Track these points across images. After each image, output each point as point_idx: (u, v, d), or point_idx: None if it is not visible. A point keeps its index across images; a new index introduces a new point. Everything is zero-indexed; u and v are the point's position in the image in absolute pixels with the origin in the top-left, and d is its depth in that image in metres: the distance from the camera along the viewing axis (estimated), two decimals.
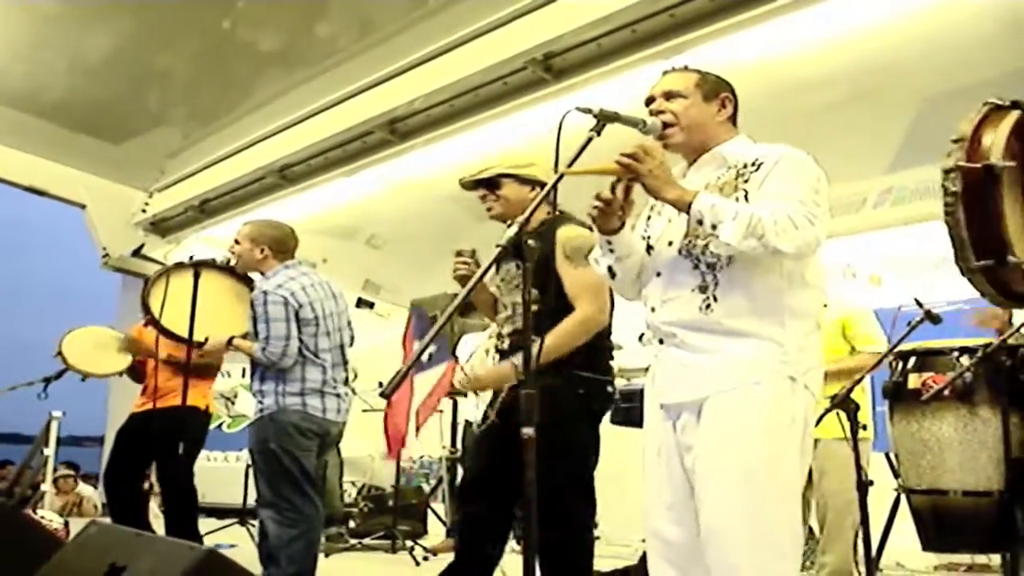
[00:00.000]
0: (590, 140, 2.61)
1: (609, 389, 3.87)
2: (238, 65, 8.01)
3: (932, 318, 4.47)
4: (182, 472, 5.95)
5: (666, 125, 2.83)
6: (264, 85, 8.31)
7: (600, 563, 5.92)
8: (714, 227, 2.55)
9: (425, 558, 7.02)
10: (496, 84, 6.70)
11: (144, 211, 10.34)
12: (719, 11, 5.54)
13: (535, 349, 2.52)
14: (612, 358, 3.94)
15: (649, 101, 2.91)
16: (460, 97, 6.98)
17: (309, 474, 4.74)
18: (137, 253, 10.37)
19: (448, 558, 4.05)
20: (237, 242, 4.99)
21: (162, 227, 10.44)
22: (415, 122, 7.45)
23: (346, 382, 5.01)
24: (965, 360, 4.16)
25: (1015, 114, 1.89)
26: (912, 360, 4.45)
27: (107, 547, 2.98)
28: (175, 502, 5.96)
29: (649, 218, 2.96)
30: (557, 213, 3.83)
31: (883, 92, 6.40)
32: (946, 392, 4.09)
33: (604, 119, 2.64)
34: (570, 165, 2.56)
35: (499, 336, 3.97)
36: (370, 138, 7.77)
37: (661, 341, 2.82)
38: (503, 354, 3.93)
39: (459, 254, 3.91)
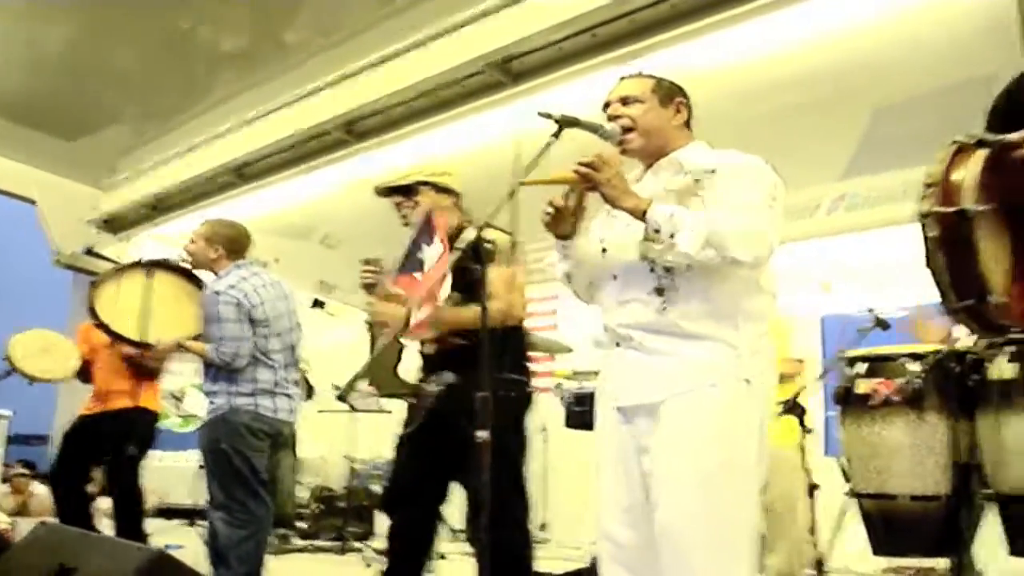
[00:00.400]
0: (549, 145, 2.63)
1: (529, 391, 3.97)
2: (194, 63, 7.95)
3: (882, 324, 4.54)
4: (130, 473, 5.90)
5: (625, 130, 2.85)
6: (220, 83, 8.26)
7: (550, 565, 5.95)
8: (672, 236, 2.57)
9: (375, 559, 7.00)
10: (454, 86, 6.70)
11: (96, 208, 10.22)
12: (678, 17, 5.56)
13: (487, 344, 2.54)
14: (530, 361, 4.04)
15: (606, 106, 2.93)
16: (418, 99, 6.96)
17: (260, 474, 4.74)
18: (89, 251, 10.26)
19: None
20: (192, 241, 4.97)
21: (114, 224, 10.30)
22: (372, 123, 7.41)
23: (297, 383, 4.99)
24: (914, 366, 4.22)
25: (982, 153, 1.92)
26: (862, 366, 4.50)
27: (56, 547, 2.96)
28: (124, 503, 5.91)
29: (605, 220, 2.98)
30: (467, 220, 3.95)
31: (837, 99, 6.46)
32: (895, 398, 4.14)
33: (564, 124, 2.66)
34: (529, 170, 2.57)
35: (421, 340, 3.98)
36: (327, 138, 7.72)
37: (617, 343, 2.83)
38: (427, 358, 3.96)
39: (366, 263, 3.98)
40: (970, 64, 5.80)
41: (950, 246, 1.89)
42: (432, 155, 7.03)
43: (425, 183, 3.99)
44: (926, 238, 1.91)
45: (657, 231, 2.60)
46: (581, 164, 2.63)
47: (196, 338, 4.92)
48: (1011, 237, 2.05)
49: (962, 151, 1.97)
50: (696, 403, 2.63)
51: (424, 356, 3.99)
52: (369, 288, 3.95)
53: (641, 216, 2.62)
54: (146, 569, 2.51)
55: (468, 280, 3.75)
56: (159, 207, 9.65)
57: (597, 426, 2.93)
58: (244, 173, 8.68)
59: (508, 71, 6.36)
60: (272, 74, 7.86)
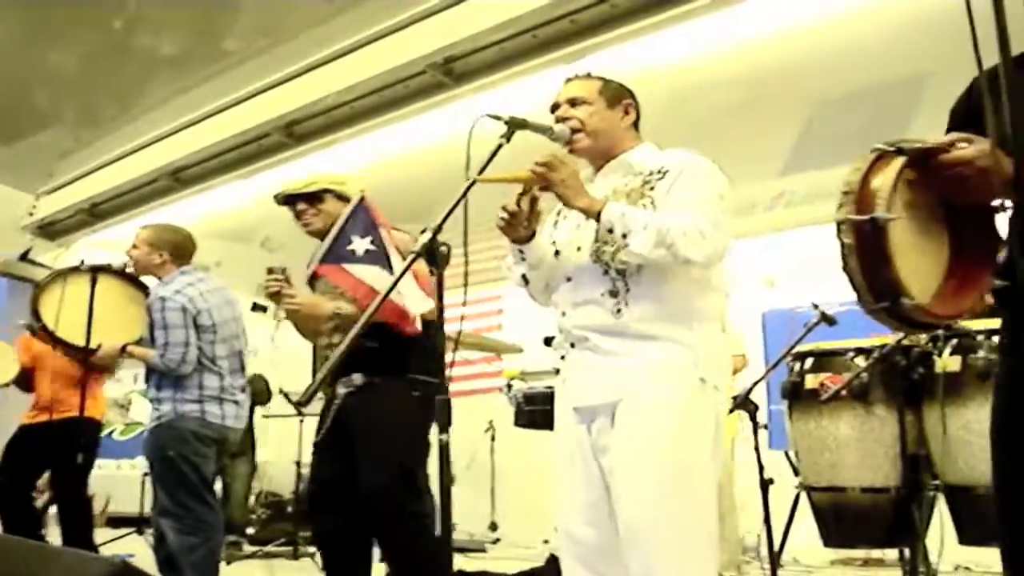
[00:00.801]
0: (500, 147, 2.63)
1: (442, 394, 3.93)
2: (132, 65, 7.81)
3: (828, 320, 4.61)
4: (78, 483, 5.83)
5: (573, 131, 2.86)
6: (158, 86, 8.13)
7: (503, 565, 5.98)
8: (624, 236, 2.60)
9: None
10: (396, 87, 6.69)
11: (32, 214, 10.08)
12: (619, 17, 5.61)
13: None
14: (444, 358, 4.02)
15: (554, 108, 2.94)
16: (360, 100, 6.95)
17: (208, 481, 4.73)
18: (24, 257, 10.09)
19: None
20: (135, 246, 4.91)
21: (50, 230, 10.19)
22: (313, 124, 7.40)
23: (244, 389, 4.96)
24: (860, 360, 4.28)
25: (900, 161, 1.99)
26: (809, 361, 4.54)
27: (8, 561, 2.86)
28: (73, 513, 5.84)
29: (556, 223, 3.00)
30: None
31: (776, 97, 6.54)
32: (843, 392, 4.20)
33: (514, 126, 2.67)
34: (480, 172, 2.56)
35: (328, 346, 4.01)
36: (267, 140, 7.70)
37: (573, 345, 2.84)
38: None
39: (270, 271, 4.01)
40: (906, 63, 5.91)
41: (863, 252, 1.97)
42: (372, 157, 7.07)
43: (329, 191, 4.11)
44: (842, 244, 1.99)
45: (610, 231, 2.62)
46: (537, 164, 2.65)
47: (139, 342, 4.87)
48: (949, 233, 2.11)
49: (881, 158, 2.04)
50: (653, 403, 2.64)
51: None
52: (274, 297, 3.98)
53: (596, 216, 2.64)
54: None
55: None
56: (97, 212, 9.56)
57: (556, 426, 2.94)
58: (182, 177, 8.62)
59: (450, 72, 6.38)
60: (211, 76, 7.75)
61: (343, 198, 4.09)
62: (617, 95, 2.95)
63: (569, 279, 2.85)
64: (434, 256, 2.54)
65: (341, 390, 3.93)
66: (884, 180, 1.99)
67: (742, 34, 5.98)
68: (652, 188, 2.75)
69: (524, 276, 2.95)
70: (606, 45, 5.69)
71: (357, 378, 3.88)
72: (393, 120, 6.95)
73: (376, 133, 7.13)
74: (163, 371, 4.64)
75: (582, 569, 2.79)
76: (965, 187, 1.96)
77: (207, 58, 7.61)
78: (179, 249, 4.91)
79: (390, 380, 3.79)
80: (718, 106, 6.46)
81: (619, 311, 2.71)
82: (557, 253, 2.91)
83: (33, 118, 8.83)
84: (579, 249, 2.83)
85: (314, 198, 4.11)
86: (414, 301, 3.65)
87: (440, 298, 2.63)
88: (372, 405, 3.76)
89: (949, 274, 2.10)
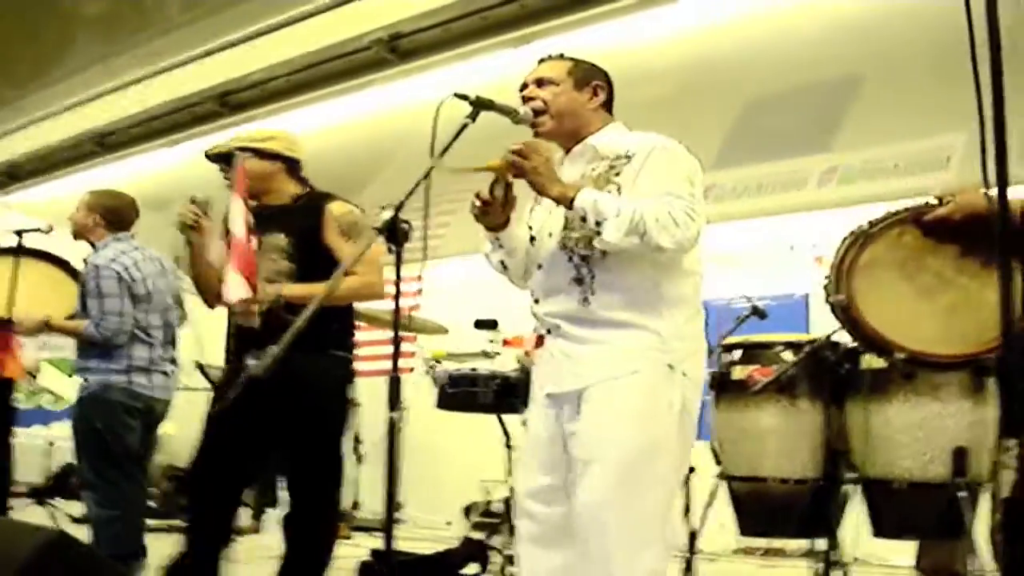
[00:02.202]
0: (464, 127, 2.62)
1: (352, 369, 3.92)
2: (57, 27, 7.63)
3: (759, 313, 4.68)
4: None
5: (537, 112, 2.84)
6: (87, 48, 7.95)
7: (409, 545, 5.96)
8: (597, 224, 2.59)
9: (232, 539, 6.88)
10: (337, 61, 6.65)
11: None
12: (569, 4, 5.63)
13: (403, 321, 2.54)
14: (354, 338, 3.98)
15: (522, 88, 2.93)
16: (299, 73, 6.89)
17: (131, 453, 4.68)
18: None
19: (255, 539, 3.95)
20: (77, 209, 4.83)
21: None
22: (249, 95, 7.33)
23: (174, 360, 4.89)
24: (789, 354, 4.35)
25: (857, 244, 2.23)
26: (737, 352, 4.61)
27: None
28: None
29: (532, 208, 3.00)
30: (310, 189, 3.90)
31: (709, 92, 6.61)
32: (771, 385, 4.26)
33: (479, 106, 2.66)
34: (443, 153, 2.56)
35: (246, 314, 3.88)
36: (199, 109, 7.59)
37: (548, 331, 2.86)
38: (252, 332, 3.76)
39: (192, 201, 3.79)
40: (838, 64, 6.03)
41: (846, 321, 2.49)
42: (308, 128, 6.99)
43: (244, 149, 3.81)
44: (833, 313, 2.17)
45: (583, 219, 2.62)
46: (511, 151, 2.65)
47: (71, 318, 4.77)
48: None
49: (856, 241, 2.25)
50: (618, 389, 2.66)
51: (248, 330, 3.79)
52: (185, 228, 3.77)
53: (568, 204, 2.64)
54: (42, 551, 2.29)
55: (311, 254, 3.73)
56: (15, 174, 9.33)
57: (529, 409, 2.97)
58: (107, 142, 8.46)
59: (395, 49, 6.34)
60: (144, 41, 7.62)
61: (266, 156, 3.83)
62: (586, 76, 2.94)
63: (541, 266, 2.87)
64: (395, 233, 2.53)
65: (252, 362, 3.70)
66: (846, 264, 2.22)
67: (679, 27, 6.04)
68: (618, 173, 2.75)
69: (502, 262, 2.96)
70: (553, 32, 5.72)
71: (273, 350, 3.74)
72: (333, 94, 6.92)
73: (315, 106, 7.09)
74: (97, 341, 4.57)
75: (536, 548, 2.82)
76: (959, 237, 2.09)
77: (140, 23, 7.47)
78: (114, 214, 4.84)
79: (311, 356, 3.54)
80: (652, 97, 6.49)
81: (586, 299, 2.73)
82: (533, 240, 2.92)
83: None
84: (550, 235, 2.84)
85: (230, 158, 3.82)
86: (231, 287, 3.55)
87: (398, 276, 2.63)
88: (296, 380, 3.50)
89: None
